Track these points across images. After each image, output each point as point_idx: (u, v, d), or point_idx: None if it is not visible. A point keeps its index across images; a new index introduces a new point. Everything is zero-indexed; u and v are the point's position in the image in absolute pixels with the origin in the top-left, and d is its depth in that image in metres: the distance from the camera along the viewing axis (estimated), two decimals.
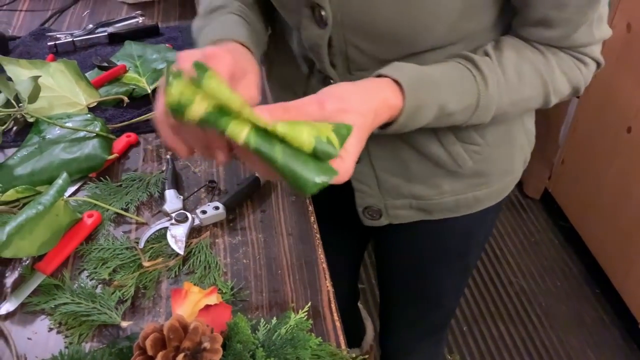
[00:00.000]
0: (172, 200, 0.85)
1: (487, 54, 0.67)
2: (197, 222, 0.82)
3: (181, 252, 0.77)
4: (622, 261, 1.84)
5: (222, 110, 0.49)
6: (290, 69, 0.83)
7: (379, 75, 0.62)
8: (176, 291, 0.58)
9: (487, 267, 2.08)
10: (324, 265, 0.79)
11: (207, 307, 0.56)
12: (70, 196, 0.86)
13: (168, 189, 0.86)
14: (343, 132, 0.53)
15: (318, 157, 0.52)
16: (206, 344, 0.49)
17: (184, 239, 0.79)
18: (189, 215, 0.81)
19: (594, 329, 1.90)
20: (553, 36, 0.66)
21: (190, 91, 0.49)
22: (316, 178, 0.51)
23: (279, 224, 0.85)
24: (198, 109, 0.49)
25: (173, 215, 0.81)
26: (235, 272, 0.78)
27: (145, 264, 0.75)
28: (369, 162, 0.81)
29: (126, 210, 0.85)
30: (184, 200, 0.86)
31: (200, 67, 0.49)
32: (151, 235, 0.80)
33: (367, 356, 0.60)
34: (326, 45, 0.69)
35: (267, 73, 0.93)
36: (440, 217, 0.87)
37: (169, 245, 0.78)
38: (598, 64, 0.72)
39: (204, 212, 0.83)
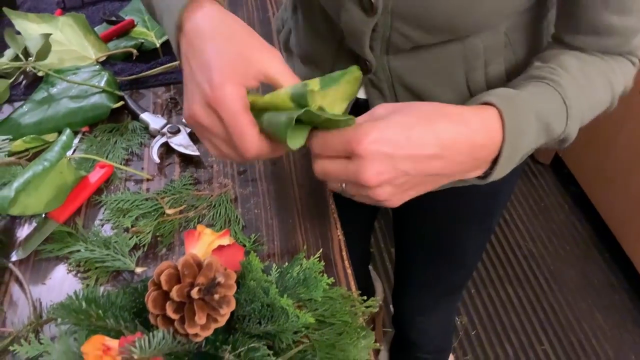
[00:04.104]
0: (153, 120, 0.89)
1: (543, 67, 0.62)
2: (188, 129, 0.87)
3: (196, 153, 0.82)
4: (632, 225, 1.84)
5: None
6: (314, 44, 0.79)
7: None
8: (189, 232, 0.58)
9: (496, 231, 2.08)
10: (335, 215, 0.79)
11: (220, 247, 0.56)
12: (72, 154, 0.86)
13: (141, 113, 0.90)
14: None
15: (299, 103, 0.51)
16: (220, 279, 0.49)
17: (190, 142, 0.83)
18: (179, 126, 0.86)
19: (602, 292, 1.90)
20: (610, 44, 0.62)
21: None
22: (288, 115, 0.49)
23: (290, 175, 0.85)
24: None
25: (165, 130, 0.85)
26: (247, 221, 0.78)
27: (168, 211, 0.75)
28: None
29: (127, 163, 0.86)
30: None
31: None
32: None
33: (378, 297, 0.60)
34: (370, 32, 0.65)
35: (284, 46, 0.89)
36: (466, 184, 0.85)
37: (181, 154, 0.84)
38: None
39: None
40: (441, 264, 1.05)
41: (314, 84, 0.50)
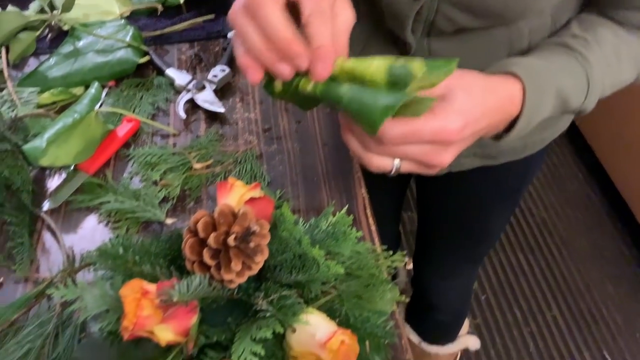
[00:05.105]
0: (179, 76, 0.89)
1: (578, 36, 0.61)
2: (213, 86, 0.87)
3: (222, 109, 0.84)
4: None
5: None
6: None
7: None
8: (222, 184, 0.59)
9: None
10: (359, 174, 0.80)
11: (252, 199, 0.57)
12: (99, 107, 0.87)
13: (166, 69, 0.91)
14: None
15: (395, 85, 0.46)
16: (256, 228, 0.51)
17: (216, 99, 0.85)
18: (204, 82, 0.87)
19: (613, 262, 1.92)
20: None
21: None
22: (384, 100, 0.45)
23: (314, 134, 0.85)
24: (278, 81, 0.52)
25: (190, 86, 0.86)
26: (273, 178, 0.79)
27: (196, 165, 0.76)
28: None
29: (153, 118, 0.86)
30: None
31: None
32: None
33: (405, 252, 0.61)
34: (414, 15, 0.64)
35: None
36: (504, 162, 0.85)
37: (207, 111, 0.85)
38: None
39: (215, 76, 0.88)
40: (465, 237, 1.06)
41: (418, 68, 0.45)
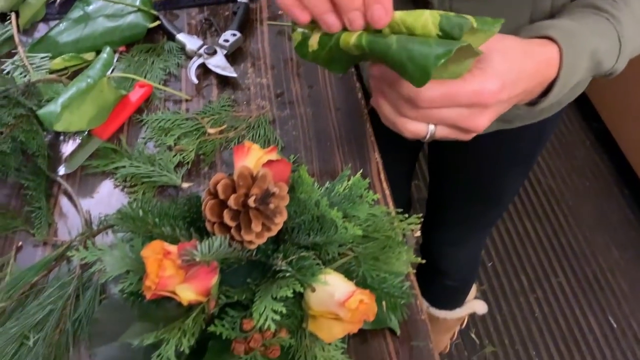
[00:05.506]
0: (189, 41, 0.89)
1: None
2: (224, 51, 0.87)
3: (234, 74, 0.84)
4: None
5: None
6: None
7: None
8: (239, 147, 0.59)
9: None
10: (372, 138, 0.80)
11: (270, 162, 0.57)
12: (111, 73, 0.87)
13: (177, 34, 0.90)
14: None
15: (447, 35, 0.45)
16: (275, 190, 0.51)
17: (227, 64, 0.85)
18: (215, 47, 0.87)
19: (619, 229, 1.92)
20: None
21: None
22: (438, 49, 0.44)
23: (327, 99, 0.85)
24: (315, 38, 0.50)
25: (201, 51, 0.86)
26: (286, 143, 0.79)
27: (210, 130, 0.76)
28: None
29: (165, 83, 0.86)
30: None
31: None
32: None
33: (420, 214, 0.61)
34: None
35: None
36: (520, 125, 0.84)
37: (219, 76, 0.85)
38: None
39: (225, 40, 0.88)
40: (477, 203, 1.06)
41: (472, 19, 0.45)
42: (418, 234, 1.58)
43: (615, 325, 1.71)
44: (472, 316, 1.68)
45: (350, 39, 0.48)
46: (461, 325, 1.64)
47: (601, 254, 1.86)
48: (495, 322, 1.71)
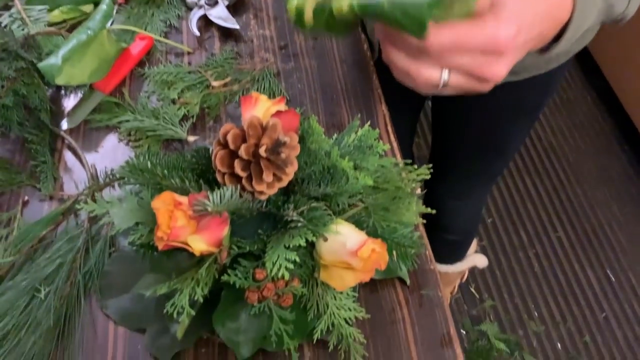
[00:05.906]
0: None
1: None
2: (225, 2, 0.85)
3: (236, 26, 0.82)
4: None
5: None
6: None
7: None
8: (246, 98, 0.58)
9: None
10: (379, 91, 0.79)
11: (278, 112, 0.56)
12: (111, 25, 0.84)
13: None
14: None
15: None
16: (286, 139, 0.50)
17: (229, 15, 0.83)
18: None
19: (619, 184, 1.93)
20: None
21: None
22: None
23: (332, 51, 0.83)
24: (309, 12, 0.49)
25: (202, 2, 0.84)
26: (292, 96, 0.78)
27: (214, 83, 0.75)
28: None
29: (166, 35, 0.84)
30: None
31: None
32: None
33: (430, 165, 0.61)
34: None
35: None
36: (527, 77, 0.83)
37: (221, 28, 0.83)
38: None
39: None
40: (483, 155, 1.05)
41: None
42: (418, 190, 1.58)
43: (613, 279, 1.73)
44: (472, 271, 1.70)
45: (342, 5, 0.47)
46: (461, 279, 1.66)
47: (600, 209, 1.87)
48: (494, 276, 1.73)
